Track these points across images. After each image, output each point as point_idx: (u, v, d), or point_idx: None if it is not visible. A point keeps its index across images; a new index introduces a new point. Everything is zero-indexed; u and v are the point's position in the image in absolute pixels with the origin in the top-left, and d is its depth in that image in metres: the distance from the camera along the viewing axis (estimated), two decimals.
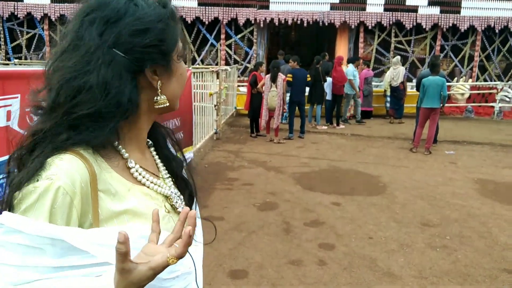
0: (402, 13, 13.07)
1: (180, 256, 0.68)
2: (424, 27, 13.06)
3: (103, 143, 0.81)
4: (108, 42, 0.78)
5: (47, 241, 0.69)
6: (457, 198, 5.20)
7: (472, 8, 13.20)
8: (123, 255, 0.63)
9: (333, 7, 13.05)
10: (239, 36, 13.10)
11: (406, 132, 9.06)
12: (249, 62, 13.11)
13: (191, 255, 0.83)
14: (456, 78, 13.01)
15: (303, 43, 17.25)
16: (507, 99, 12.12)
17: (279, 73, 7.94)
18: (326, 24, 13.10)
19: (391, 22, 13.20)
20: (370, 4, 13.14)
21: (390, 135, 9.07)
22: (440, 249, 3.79)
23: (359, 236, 4.01)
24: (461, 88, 12.52)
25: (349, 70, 10.08)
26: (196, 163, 6.30)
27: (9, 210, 0.73)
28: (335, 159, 7.00)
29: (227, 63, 12.91)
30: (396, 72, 10.37)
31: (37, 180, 0.72)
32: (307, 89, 9.15)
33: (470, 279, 3.28)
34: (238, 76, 12.45)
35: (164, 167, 0.99)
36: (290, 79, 8.10)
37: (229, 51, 13.16)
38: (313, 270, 3.35)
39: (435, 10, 13.20)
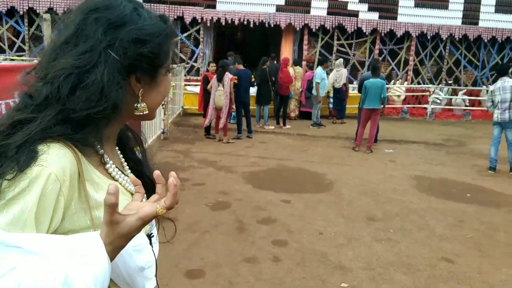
0: (344, 17, 13.61)
1: (169, 207, 0.72)
2: (364, 31, 13.68)
3: (89, 140, 0.82)
4: (109, 43, 0.80)
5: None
6: (397, 193, 5.54)
7: (407, 15, 14.04)
8: (112, 206, 0.67)
9: (278, 9, 13.31)
10: (185, 34, 12.96)
11: (348, 132, 9.47)
12: (195, 61, 13.02)
13: (153, 250, 0.91)
14: (393, 81, 13.77)
15: (249, 44, 17.40)
16: (438, 101, 13.04)
17: (227, 73, 7.98)
18: (272, 25, 13.33)
19: (334, 26, 13.69)
20: (314, 7, 13.56)
21: (333, 135, 9.43)
22: (385, 242, 4.04)
23: (310, 232, 4.16)
24: (398, 90, 13.28)
25: (318, 72, 10.11)
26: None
27: None
28: (282, 158, 7.17)
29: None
30: (339, 74, 10.78)
31: (29, 167, 0.72)
32: (254, 89, 9.27)
33: (413, 268, 3.53)
34: (185, 75, 12.33)
35: (127, 166, 1.00)
36: (235, 80, 8.16)
37: (175, 49, 12.96)
38: (268, 267, 3.44)
39: (374, 15, 13.89)
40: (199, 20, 12.70)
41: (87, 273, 0.66)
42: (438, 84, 14.13)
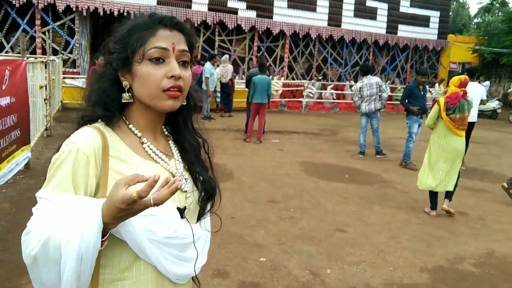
0: (224, 14, 14.09)
1: (140, 195, 0.80)
2: (243, 28, 14.36)
3: (112, 120, 1.05)
4: (107, 50, 1.06)
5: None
6: (290, 178, 6.18)
7: (282, 15, 15.14)
8: (131, 181, 0.83)
9: (160, 2, 13.19)
10: (58, 23, 12.01)
11: (237, 125, 9.99)
12: (70, 52, 12.17)
13: (189, 223, 1.08)
14: (270, 76, 14.77)
15: None
16: (311, 95, 14.43)
17: None
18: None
19: (215, 22, 14.08)
20: (196, 2, 13.76)
21: (224, 127, 9.86)
22: (288, 220, 4.56)
23: (223, 217, 4.45)
24: (276, 85, 14.29)
25: (207, 67, 10.25)
26: (33, 163, 5.77)
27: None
28: None
29: (43, 52, 11.71)
30: (225, 70, 11.22)
31: (66, 145, 0.97)
32: None
33: (315, 239, 4.10)
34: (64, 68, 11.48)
35: (180, 156, 1.16)
36: None
37: (46, 39, 11.94)
38: None
39: (252, 14, 14.67)
40: (74, 9, 11.89)
41: (76, 234, 0.84)
42: (310, 80, 15.59)
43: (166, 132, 1.20)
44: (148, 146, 1.07)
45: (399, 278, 3.44)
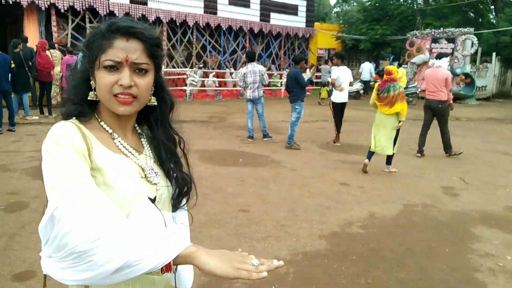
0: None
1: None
2: (117, 15, 13.63)
3: (84, 118, 1.10)
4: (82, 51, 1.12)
5: None
6: None
7: (157, 1, 14.75)
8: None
9: None
10: None
11: None
12: None
13: (160, 211, 1.13)
14: None
15: None
16: (194, 83, 14.44)
17: None
18: (11, 2, 11.73)
19: (84, 7, 13.13)
20: None
21: None
22: (193, 207, 4.62)
23: None
24: None
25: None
26: None
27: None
28: None
29: None
30: None
31: (51, 136, 1.00)
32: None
33: (222, 222, 4.26)
34: None
35: (151, 152, 1.20)
36: None
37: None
38: None
39: (126, 0, 14.01)
40: None
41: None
42: (191, 68, 15.56)
43: (139, 130, 1.23)
44: (119, 141, 1.13)
45: (302, 248, 3.79)
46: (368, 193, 5.40)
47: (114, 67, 1.04)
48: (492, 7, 23.64)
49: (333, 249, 3.80)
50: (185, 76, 14.42)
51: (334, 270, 3.40)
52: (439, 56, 7.56)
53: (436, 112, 7.41)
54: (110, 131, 1.12)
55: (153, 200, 1.12)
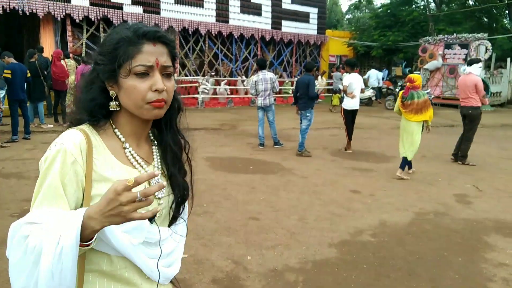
0: (108, 9, 13.43)
1: (146, 194, 0.88)
2: None
3: (98, 124, 1.10)
4: (94, 61, 1.10)
5: None
6: (198, 174, 6.13)
7: (169, 10, 14.94)
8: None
9: None
10: None
11: None
12: None
13: (158, 227, 1.13)
14: None
15: None
16: (206, 91, 14.54)
17: None
18: (28, 13, 12.00)
19: (98, 17, 13.35)
20: None
21: None
22: (203, 215, 4.66)
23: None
24: None
25: None
26: None
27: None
28: None
29: None
30: None
31: (55, 145, 1.03)
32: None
33: (232, 230, 4.27)
34: None
35: (159, 162, 1.20)
36: (9, 75, 7.25)
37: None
38: None
39: (139, 9, 14.23)
40: None
41: (55, 236, 0.89)
42: (203, 76, 15.69)
43: (152, 137, 1.23)
44: (130, 152, 1.12)
45: (312, 256, 3.78)
46: (379, 201, 5.36)
47: (145, 73, 1.03)
48: (507, 12, 23.36)
49: (343, 257, 3.77)
50: (197, 84, 14.53)
51: (344, 278, 3.38)
52: (470, 62, 7.51)
53: (467, 118, 7.46)
54: (123, 139, 1.12)
55: (152, 218, 1.08)
